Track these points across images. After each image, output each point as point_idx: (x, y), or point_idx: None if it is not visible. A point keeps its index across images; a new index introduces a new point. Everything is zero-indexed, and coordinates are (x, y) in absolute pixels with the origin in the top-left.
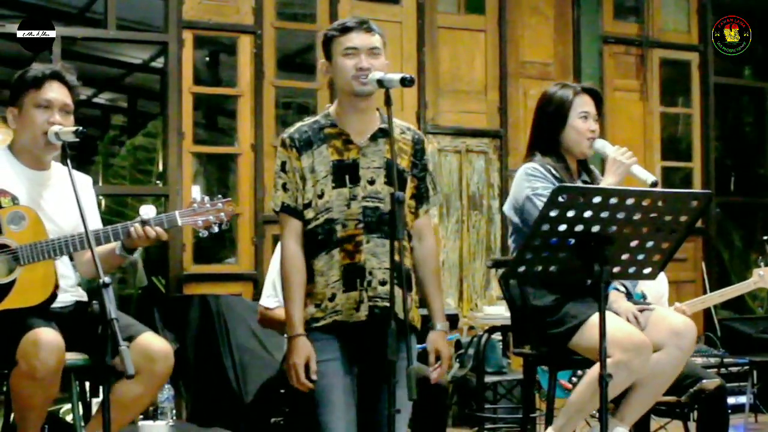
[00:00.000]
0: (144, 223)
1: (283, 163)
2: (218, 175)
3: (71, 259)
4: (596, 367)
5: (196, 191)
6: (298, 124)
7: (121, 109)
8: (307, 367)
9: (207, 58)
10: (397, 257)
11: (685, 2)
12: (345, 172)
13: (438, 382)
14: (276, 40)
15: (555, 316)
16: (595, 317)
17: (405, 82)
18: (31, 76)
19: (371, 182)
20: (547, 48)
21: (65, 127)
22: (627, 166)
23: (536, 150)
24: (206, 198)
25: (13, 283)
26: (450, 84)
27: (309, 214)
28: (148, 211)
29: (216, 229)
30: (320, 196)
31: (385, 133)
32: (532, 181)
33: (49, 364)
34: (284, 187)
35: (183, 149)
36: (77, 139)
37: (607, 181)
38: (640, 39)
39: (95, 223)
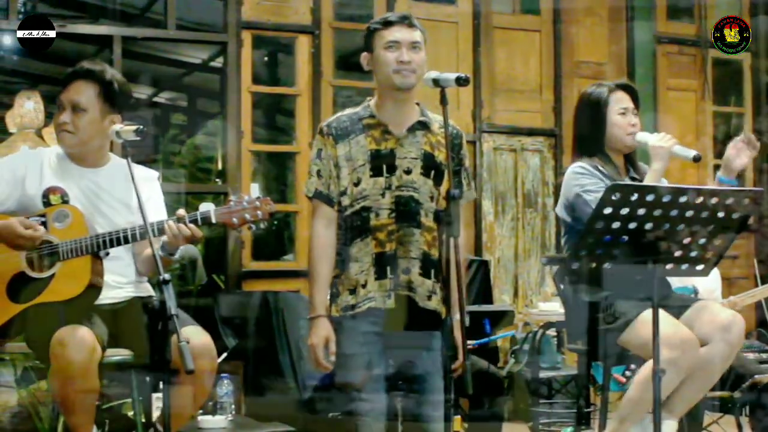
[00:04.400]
0: (179, 220)
1: (320, 151)
2: (277, 173)
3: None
4: (648, 365)
5: (255, 189)
6: (337, 114)
7: (181, 108)
8: (327, 348)
9: (266, 58)
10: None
11: (737, 3)
12: (383, 162)
13: (495, 374)
14: (334, 40)
15: (606, 312)
16: (644, 314)
17: (460, 82)
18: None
19: (407, 172)
20: (602, 48)
21: (126, 126)
22: (668, 148)
23: (581, 153)
24: (245, 196)
25: (51, 277)
26: (505, 83)
27: (345, 201)
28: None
29: (253, 228)
30: (356, 184)
31: (423, 126)
32: (580, 179)
33: (77, 361)
34: (318, 174)
35: (242, 148)
36: (138, 138)
37: (654, 167)
38: (693, 39)
39: (161, 218)
